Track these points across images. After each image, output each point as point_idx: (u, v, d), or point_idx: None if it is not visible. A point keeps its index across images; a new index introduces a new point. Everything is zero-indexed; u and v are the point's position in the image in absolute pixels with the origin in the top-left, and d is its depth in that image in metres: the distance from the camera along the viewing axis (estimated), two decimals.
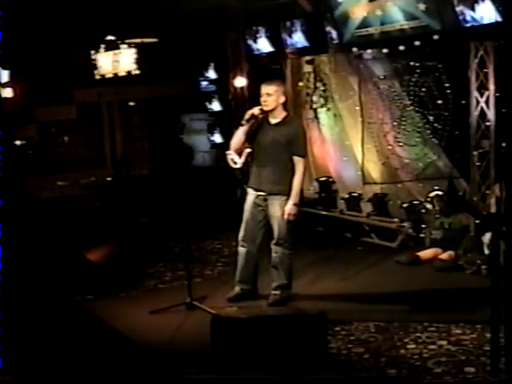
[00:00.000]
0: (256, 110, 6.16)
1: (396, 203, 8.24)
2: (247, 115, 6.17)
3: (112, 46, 10.06)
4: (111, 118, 11.48)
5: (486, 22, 6.27)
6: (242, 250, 6.33)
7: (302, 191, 6.25)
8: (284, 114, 6.20)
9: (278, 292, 6.25)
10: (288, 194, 6.08)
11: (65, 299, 6.51)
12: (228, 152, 6.48)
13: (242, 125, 6.20)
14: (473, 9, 6.33)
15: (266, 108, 6.14)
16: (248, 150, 6.33)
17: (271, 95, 6.10)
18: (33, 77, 9.99)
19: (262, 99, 6.16)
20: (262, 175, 6.20)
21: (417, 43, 7.07)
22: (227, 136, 6.52)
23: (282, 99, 6.16)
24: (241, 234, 6.35)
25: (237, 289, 6.39)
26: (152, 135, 11.82)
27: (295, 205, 6.05)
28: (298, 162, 6.10)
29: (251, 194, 6.30)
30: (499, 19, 6.15)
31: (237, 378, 3.93)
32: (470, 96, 7.13)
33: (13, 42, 7.35)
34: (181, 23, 9.18)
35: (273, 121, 6.19)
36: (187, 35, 9.60)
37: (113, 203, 10.13)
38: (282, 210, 6.08)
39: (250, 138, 6.27)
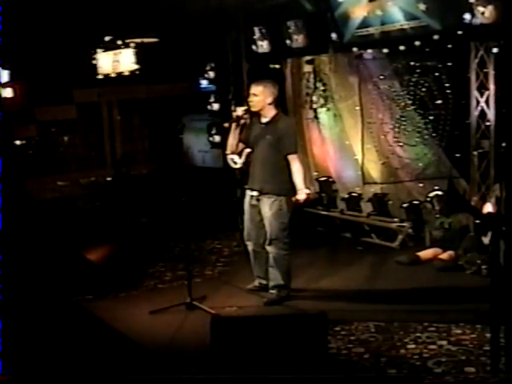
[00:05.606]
0: (239, 111, 6.20)
1: (396, 203, 8.24)
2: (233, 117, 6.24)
3: (112, 46, 10.05)
4: (111, 117, 11.48)
5: (486, 22, 6.27)
6: (249, 248, 6.41)
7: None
8: (273, 112, 6.16)
9: (274, 291, 6.26)
10: (279, 194, 6.05)
11: (65, 299, 6.51)
12: (228, 152, 6.49)
13: (229, 126, 6.27)
14: (474, 9, 6.33)
15: (252, 108, 6.16)
16: (248, 150, 6.35)
17: (257, 95, 6.11)
18: (33, 77, 9.98)
19: (249, 99, 6.20)
20: (255, 175, 6.23)
21: (417, 43, 7.06)
22: (227, 136, 6.56)
23: (270, 99, 6.11)
24: (244, 234, 6.42)
25: (256, 282, 6.52)
26: (152, 135, 11.81)
27: (304, 193, 6.04)
28: (292, 159, 6.08)
29: (247, 195, 6.33)
30: (499, 19, 6.15)
31: (237, 378, 3.92)
32: (470, 96, 7.14)
33: (13, 41, 7.35)
34: (181, 23, 9.16)
35: (263, 120, 6.20)
36: (187, 35, 9.59)
37: (113, 203, 10.12)
38: (273, 209, 6.07)
39: (244, 139, 6.29)
